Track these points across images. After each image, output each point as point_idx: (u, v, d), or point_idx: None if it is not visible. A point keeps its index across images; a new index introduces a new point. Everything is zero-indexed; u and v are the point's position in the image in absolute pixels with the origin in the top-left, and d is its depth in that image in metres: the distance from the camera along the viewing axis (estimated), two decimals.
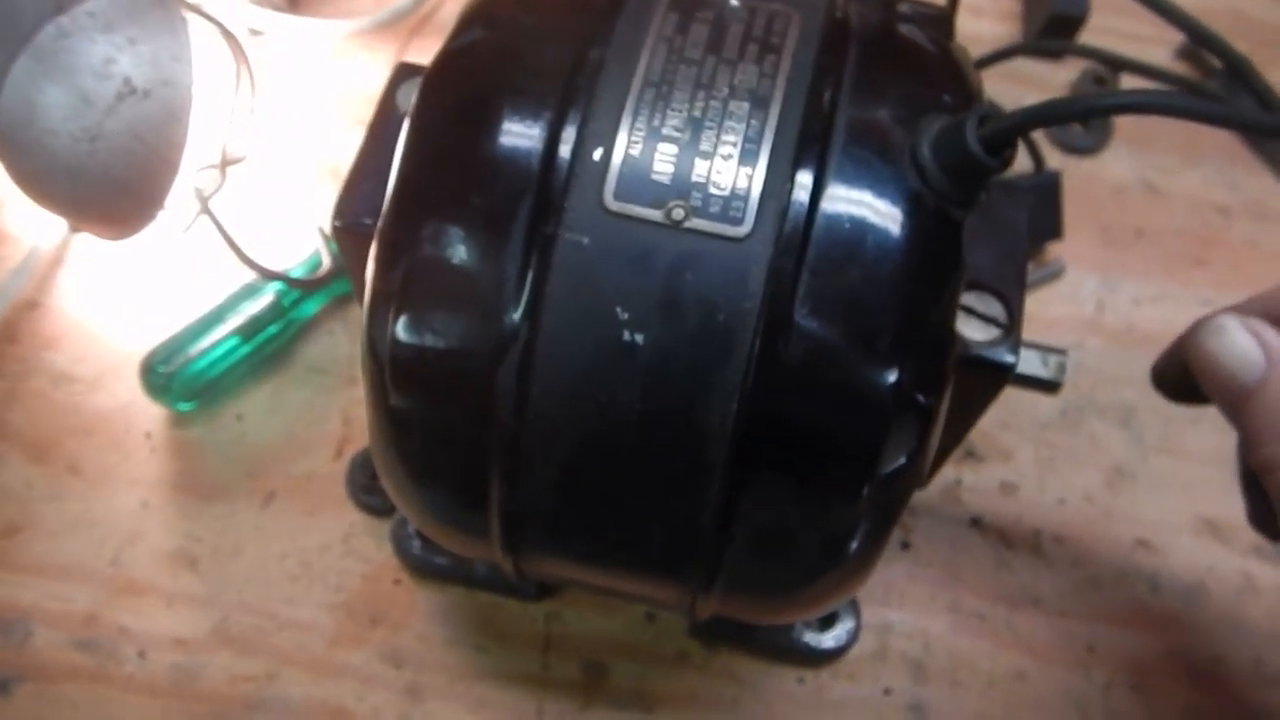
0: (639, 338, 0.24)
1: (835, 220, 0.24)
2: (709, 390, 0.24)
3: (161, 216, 0.40)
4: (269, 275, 0.40)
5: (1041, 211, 0.44)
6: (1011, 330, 0.27)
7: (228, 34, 0.41)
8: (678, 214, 0.24)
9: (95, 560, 0.39)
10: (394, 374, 0.25)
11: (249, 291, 0.42)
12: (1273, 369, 0.26)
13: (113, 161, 0.36)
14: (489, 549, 0.28)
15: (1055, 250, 0.45)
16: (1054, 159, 0.47)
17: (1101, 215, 0.46)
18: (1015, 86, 0.49)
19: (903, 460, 0.25)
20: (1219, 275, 0.45)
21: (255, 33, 0.50)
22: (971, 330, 0.27)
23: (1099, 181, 0.47)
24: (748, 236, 0.24)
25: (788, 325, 0.24)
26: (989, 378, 0.28)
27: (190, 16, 0.40)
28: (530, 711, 0.37)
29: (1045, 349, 0.31)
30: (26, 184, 0.36)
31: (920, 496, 0.41)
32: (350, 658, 0.38)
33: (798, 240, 0.24)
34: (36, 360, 0.42)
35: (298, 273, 0.42)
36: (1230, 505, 0.34)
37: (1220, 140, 0.48)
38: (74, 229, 0.43)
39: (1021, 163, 0.45)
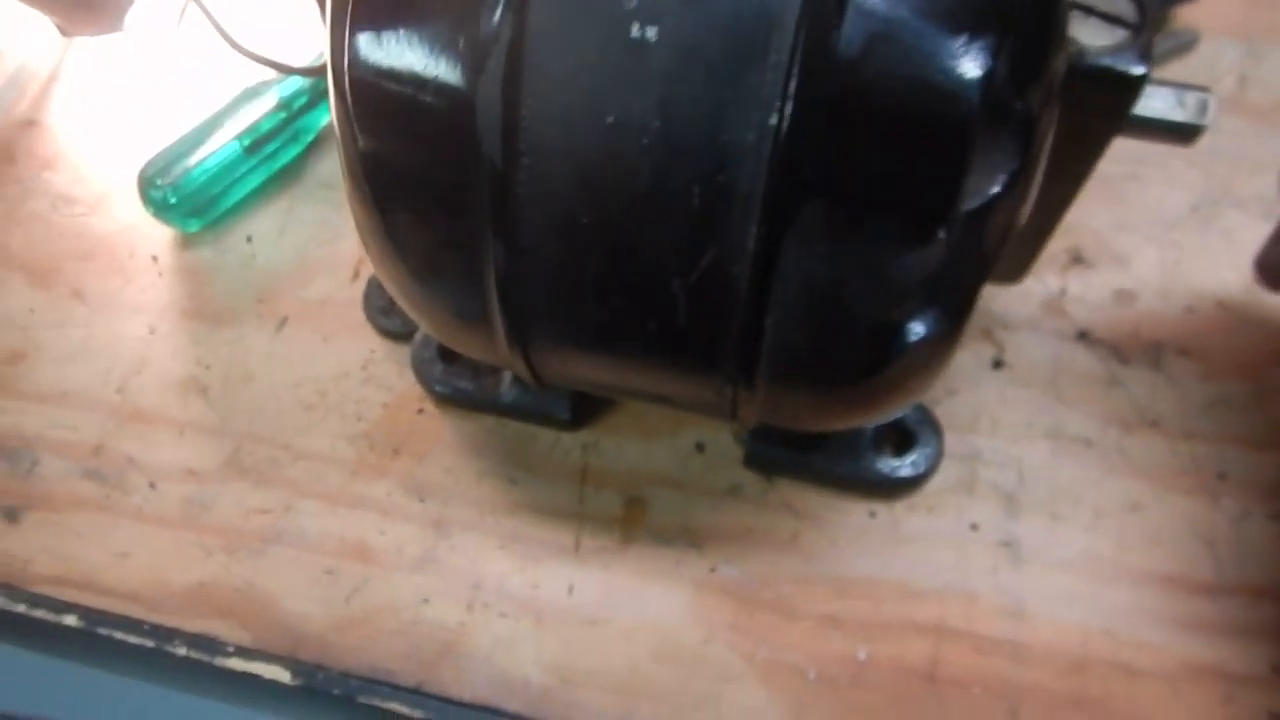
0: (651, 32, 0.19)
1: None
2: (741, 99, 0.19)
3: (148, 11, 0.35)
4: (266, 64, 0.36)
5: None
6: (1142, 32, 0.21)
7: None
8: None
9: (101, 388, 0.36)
10: (357, 105, 0.21)
11: (249, 95, 0.37)
12: None
13: None
14: (494, 340, 0.24)
15: (1188, 14, 0.38)
16: None
17: None
18: None
19: (996, 189, 0.20)
20: None
21: None
22: (1090, 35, 0.21)
23: None
24: None
25: (842, 3, 0.18)
26: (1114, 97, 0.22)
27: None
28: (567, 546, 0.34)
29: (1182, 86, 0.25)
30: None
31: (1015, 307, 0.35)
32: (371, 490, 0.35)
33: None
34: (35, 181, 0.39)
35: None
36: None
37: None
38: (63, 33, 0.39)
39: None
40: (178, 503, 0.35)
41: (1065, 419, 0.34)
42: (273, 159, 0.38)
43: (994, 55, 0.18)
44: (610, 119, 0.19)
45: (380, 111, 0.21)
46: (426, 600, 0.33)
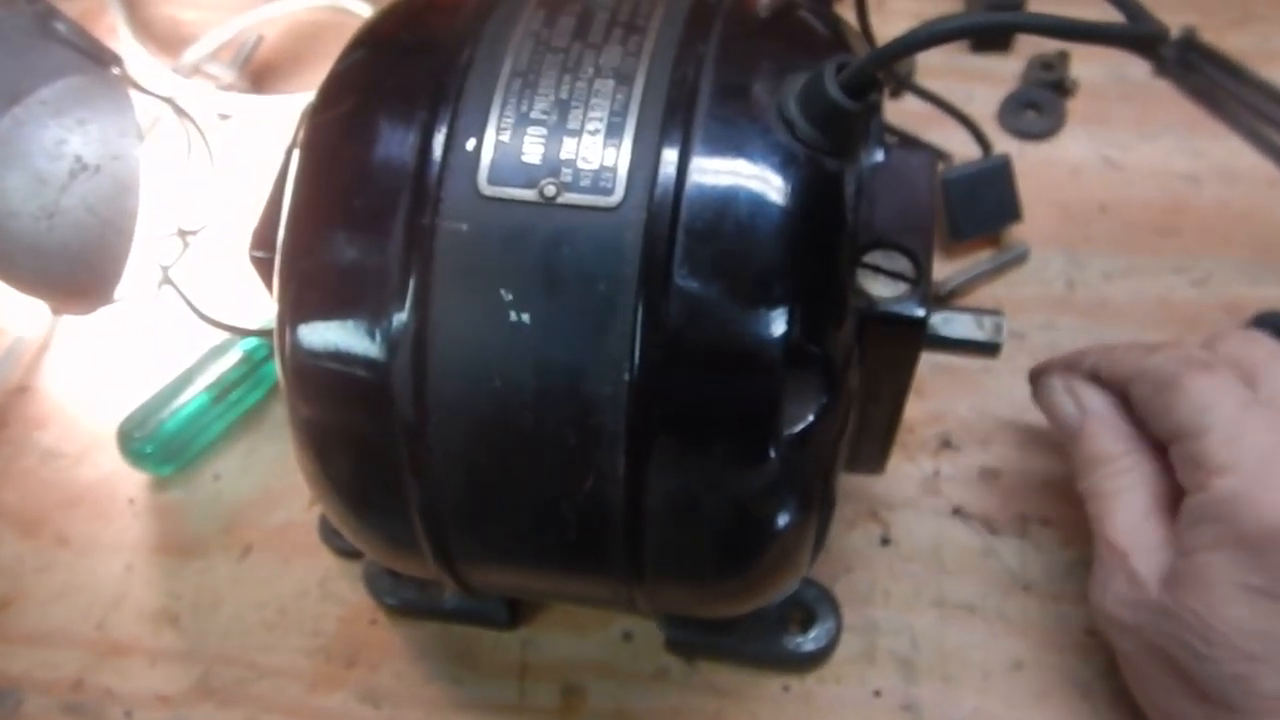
0: (525, 317, 0.24)
1: (706, 179, 0.24)
2: (598, 361, 0.24)
3: (129, 288, 0.41)
4: (233, 332, 0.41)
5: (997, 196, 0.44)
6: (919, 283, 0.27)
7: (180, 111, 0.43)
8: (549, 191, 0.24)
9: (82, 625, 0.39)
10: (297, 381, 0.26)
11: (217, 352, 0.43)
12: (1086, 421, 0.35)
13: (70, 235, 0.38)
14: (424, 560, 0.28)
15: (1018, 233, 0.44)
16: (1011, 148, 0.47)
17: (1062, 195, 0.45)
18: (964, 82, 0.49)
19: (811, 418, 0.25)
20: (1190, 240, 0.44)
21: (224, 117, 0.53)
22: (879, 288, 0.27)
23: (1057, 164, 0.47)
24: (619, 205, 0.24)
25: (668, 287, 0.24)
26: (905, 335, 0.27)
27: (145, 98, 0.42)
28: None
29: (980, 312, 0.31)
30: None
31: (897, 490, 0.40)
32: (329, 701, 0.38)
33: (670, 204, 0.24)
34: (25, 441, 0.44)
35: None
36: None
37: (1178, 111, 0.47)
38: (55, 312, 0.44)
39: (970, 151, 0.45)
40: None
41: (949, 588, 0.38)
42: (237, 405, 0.43)
43: (789, 320, 0.24)
44: (497, 382, 0.24)
45: (316, 386, 0.26)
46: None
